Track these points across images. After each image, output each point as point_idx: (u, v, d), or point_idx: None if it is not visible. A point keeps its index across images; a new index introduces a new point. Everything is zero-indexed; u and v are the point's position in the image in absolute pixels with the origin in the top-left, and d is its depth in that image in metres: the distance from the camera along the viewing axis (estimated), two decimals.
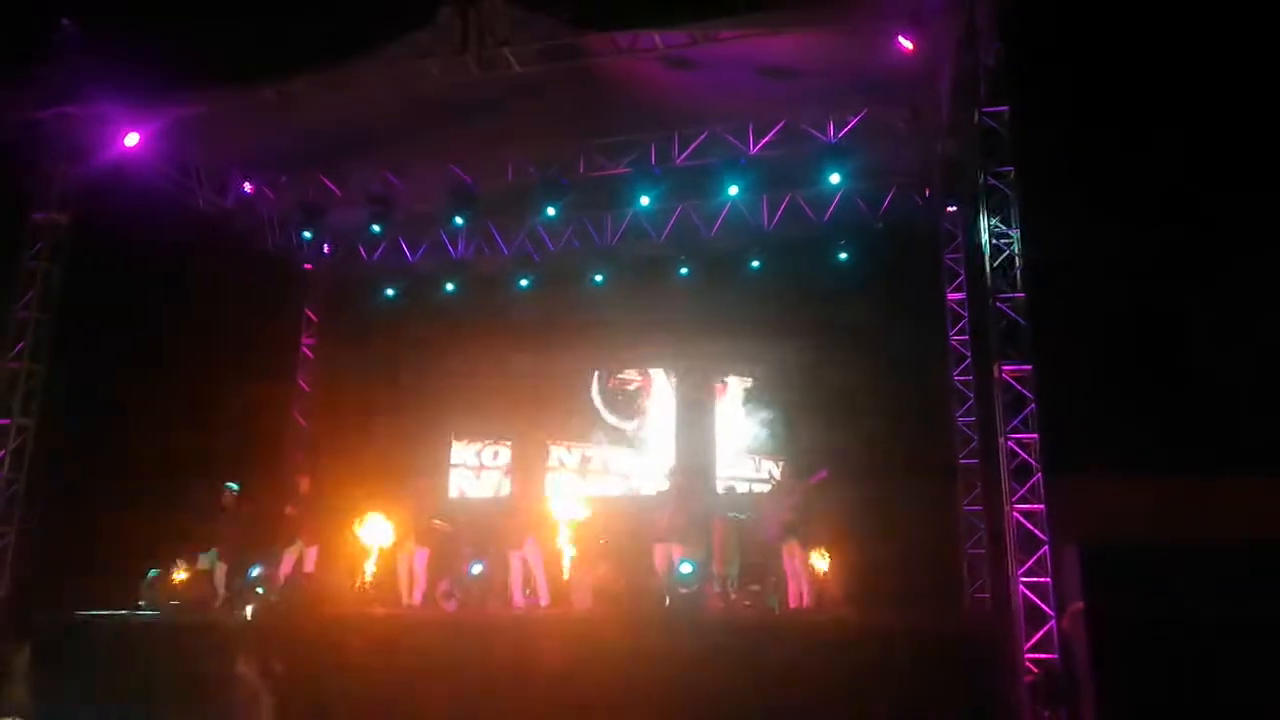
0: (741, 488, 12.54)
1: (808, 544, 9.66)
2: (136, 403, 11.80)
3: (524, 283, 13.82)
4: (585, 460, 13.55)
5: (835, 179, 11.13)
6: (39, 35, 10.19)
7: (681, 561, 9.92)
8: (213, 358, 12.37)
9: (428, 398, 13.80)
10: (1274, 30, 9.37)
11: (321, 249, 14.31)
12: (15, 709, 5.19)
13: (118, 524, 11.49)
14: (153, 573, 10.37)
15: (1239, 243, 10.07)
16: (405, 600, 10.43)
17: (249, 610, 8.77)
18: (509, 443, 13.90)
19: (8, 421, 9.84)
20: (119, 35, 10.13)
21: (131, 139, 10.27)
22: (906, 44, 8.71)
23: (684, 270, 13.29)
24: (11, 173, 10.59)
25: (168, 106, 10.21)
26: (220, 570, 10.46)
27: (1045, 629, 7.48)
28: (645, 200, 11.82)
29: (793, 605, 9.60)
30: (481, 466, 13.93)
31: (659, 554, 10.18)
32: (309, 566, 10.38)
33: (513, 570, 10.32)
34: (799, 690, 7.61)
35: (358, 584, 10.60)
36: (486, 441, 14.00)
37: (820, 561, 10.20)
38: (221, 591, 10.30)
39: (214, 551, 10.49)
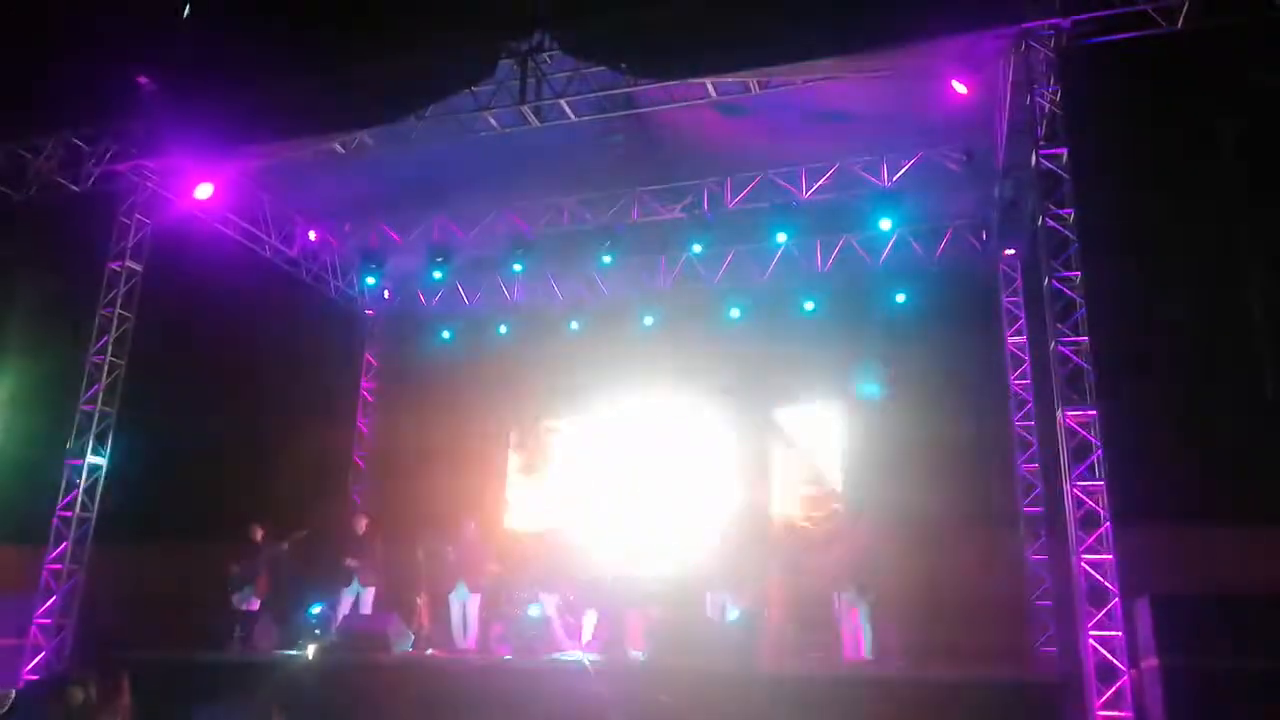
0: (796, 530, 12.32)
1: (864, 594, 9.45)
2: (203, 444, 12.14)
3: (575, 325, 13.90)
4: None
5: (887, 225, 11.12)
6: (117, 91, 10.69)
7: (730, 609, 9.81)
8: (277, 401, 12.70)
9: (485, 442, 13.88)
10: None
11: (383, 294, 14.65)
12: None
13: (182, 563, 11.79)
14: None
15: None
16: (459, 644, 10.44)
17: (310, 650, 8.84)
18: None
19: (80, 462, 10.15)
20: (193, 91, 10.56)
21: (204, 190, 10.64)
22: (961, 87, 8.70)
23: (736, 313, 13.25)
24: (89, 223, 11.07)
25: (238, 158, 10.60)
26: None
27: (1117, 685, 7.19)
28: (698, 247, 11.96)
29: (848, 657, 9.39)
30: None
31: (711, 602, 10.08)
32: (366, 608, 10.48)
33: (563, 613, 10.29)
34: None
35: (414, 626, 10.63)
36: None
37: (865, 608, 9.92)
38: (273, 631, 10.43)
39: (248, 589, 10.65)
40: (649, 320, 13.59)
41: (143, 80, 10.62)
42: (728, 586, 10.04)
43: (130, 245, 10.75)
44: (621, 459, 13.51)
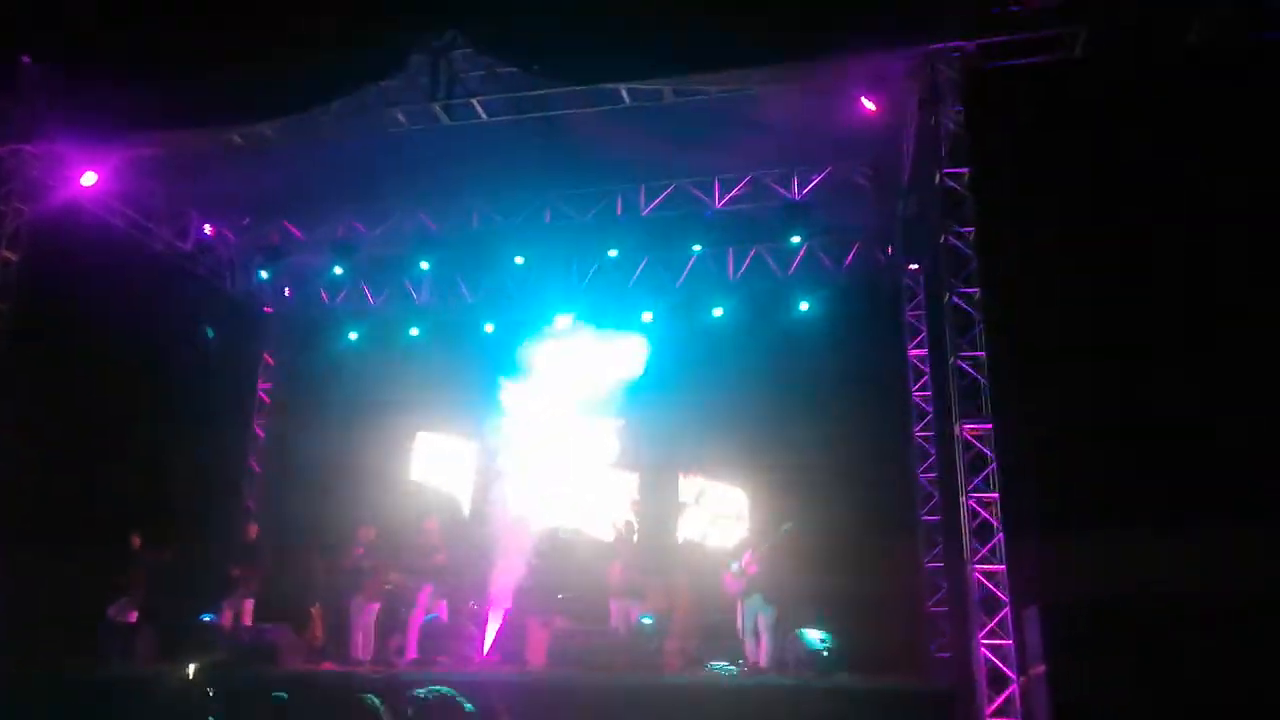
0: (701, 540, 12.37)
1: (769, 603, 9.52)
2: (87, 448, 11.49)
3: (489, 328, 13.65)
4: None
5: (797, 239, 11.31)
6: None
7: (641, 616, 9.78)
8: (168, 402, 12.11)
9: (388, 443, 13.51)
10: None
11: (282, 292, 14.13)
12: None
13: (64, 573, 11.11)
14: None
15: (1200, 300, 10.23)
16: (356, 654, 10.11)
17: (190, 669, 8.38)
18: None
19: None
20: (79, 74, 10.02)
21: (89, 178, 10.12)
22: (869, 104, 8.86)
23: (648, 316, 13.20)
24: None
25: (128, 146, 10.09)
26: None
27: (1007, 693, 7.40)
28: (613, 253, 11.91)
29: (751, 663, 9.44)
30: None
31: (615, 610, 10.03)
32: (246, 619, 10.07)
33: (466, 623, 10.11)
34: None
35: (306, 636, 10.26)
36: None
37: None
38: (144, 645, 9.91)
39: (124, 600, 10.12)
40: (563, 324, 13.42)
41: (25, 60, 10.03)
42: (632, 595, 10.00)
43: (7, 233, 10.09)
44: (529, 463, 13.33)
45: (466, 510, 13.13)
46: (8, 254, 10.08)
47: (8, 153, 10.05)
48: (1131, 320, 10.30)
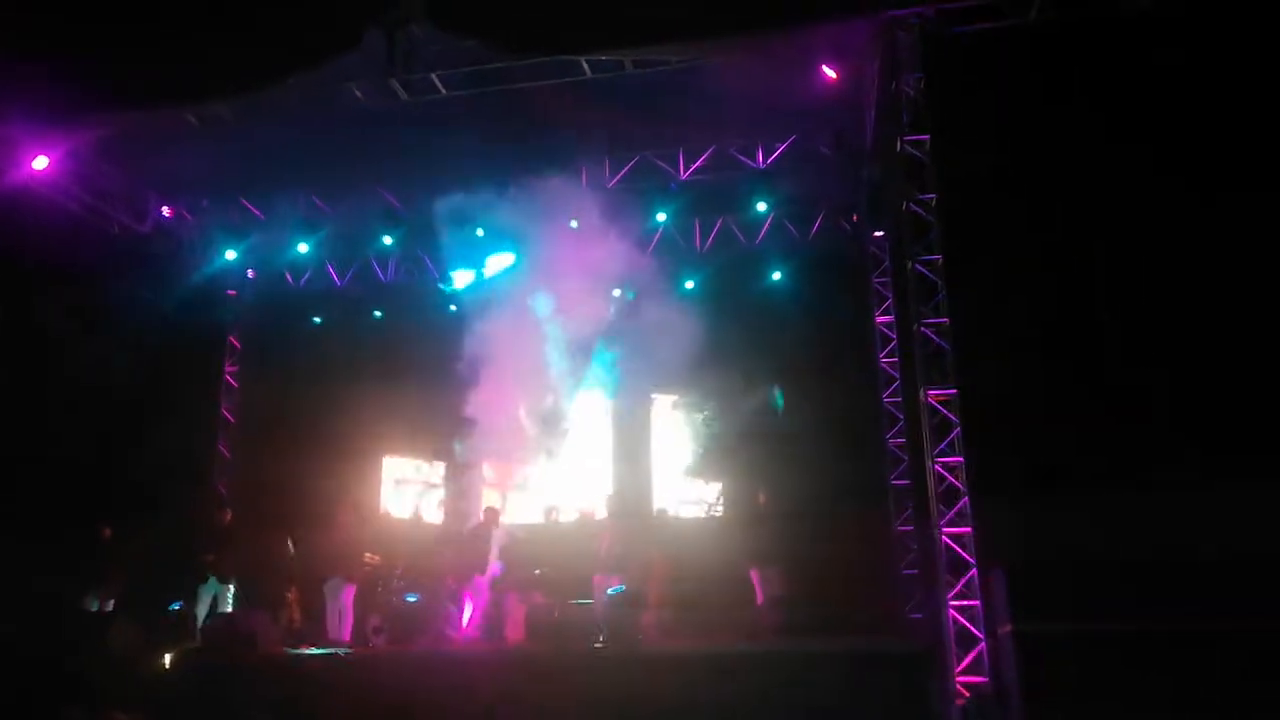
0: (677, 510, 12.46)
1: (764, 567, 9.60)
2: (51, 436, 11.32)
3: (454, 307, 13.55)
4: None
5: (763, 207, 11.32)
6: None
7: (611, 590, 9.85)
8: (132, 388, 11.95)
9: (358, 424, 13.43)
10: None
11: (245, 274, 13.93)
12: None
13: (31, 562, 10.99)
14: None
15: (1158, 262, 10.36)
16: (333, 636, 10.12)
17: (166, 659, 8.34)
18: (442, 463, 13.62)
19: None
20: (27, 54, 9.76)
21: (40, 162, 9.89)
22: (831, 73, 8.85)
23: (616, 292, 13.15)
24: None
25: (79, 129, 9.88)
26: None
27: (975, 651, 7.56)
28: (575, 223, 11.83)
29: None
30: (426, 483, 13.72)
31: (598, 584, 10.10)
32: (225, 605, 10.02)
33: (444, 603, 10.14)
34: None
35: (284, 620, 10.25)
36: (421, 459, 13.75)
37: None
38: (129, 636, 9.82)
39: (98, 591, 10.02)
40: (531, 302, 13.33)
41: None
42: (613, 569, 10.07)
43: None
44: (503, 448, 13.32)
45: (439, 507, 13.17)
46: None
47: None
48: (1091, 287, 10.43)
